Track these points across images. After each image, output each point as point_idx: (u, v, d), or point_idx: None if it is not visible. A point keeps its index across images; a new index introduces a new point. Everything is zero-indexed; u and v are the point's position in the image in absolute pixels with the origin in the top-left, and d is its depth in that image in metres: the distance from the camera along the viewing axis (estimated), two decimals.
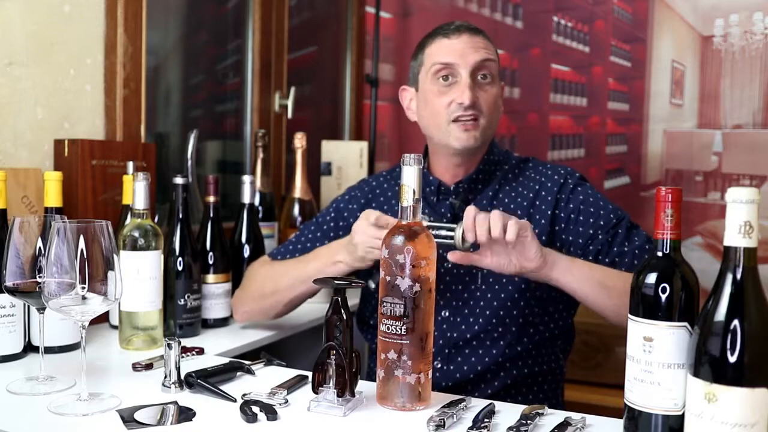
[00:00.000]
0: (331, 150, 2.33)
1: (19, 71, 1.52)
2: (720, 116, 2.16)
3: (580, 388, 2.11)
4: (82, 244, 1.03)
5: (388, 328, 1.06)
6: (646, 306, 0.93)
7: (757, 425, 0.80)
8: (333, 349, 1.06)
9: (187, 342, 1.46)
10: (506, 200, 1.49)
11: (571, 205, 1.46)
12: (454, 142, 1.43)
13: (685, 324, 0.91)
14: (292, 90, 2.32)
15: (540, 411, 1.06)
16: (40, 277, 1.14)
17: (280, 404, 1.09)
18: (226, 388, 1.16)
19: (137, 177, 1.39)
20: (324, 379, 1.07)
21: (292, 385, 1.18)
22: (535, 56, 2.40)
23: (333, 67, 2.72)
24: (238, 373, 1.25)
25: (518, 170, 1.54)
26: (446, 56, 1.43)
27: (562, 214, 1.46)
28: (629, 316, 0.95)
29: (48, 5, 1.57)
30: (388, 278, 1.07)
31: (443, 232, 1.29)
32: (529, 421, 1.02)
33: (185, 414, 1.05)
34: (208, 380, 1.15)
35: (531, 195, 1.49)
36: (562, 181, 1.48)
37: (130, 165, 1.62)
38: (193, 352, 1.37)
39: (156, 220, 1.72)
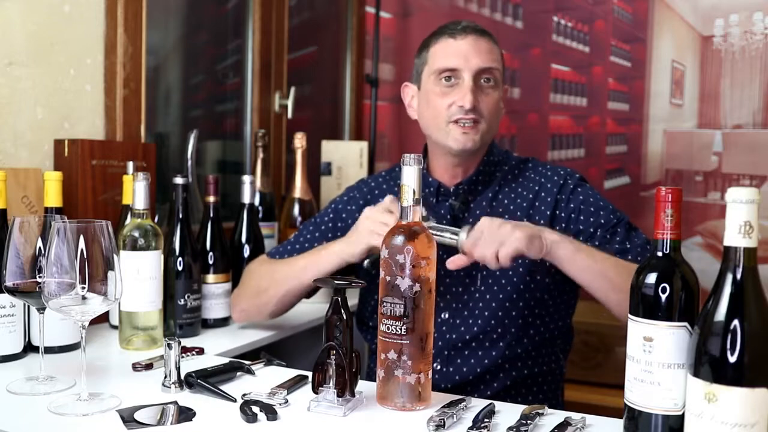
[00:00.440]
0: (331, 150, 2.33)
1: (19, 71, 1.52)
2: (720, 116, 2.16)
3: (580, 388, 2.11)
4: (82, 244, 1.03)
5: (388, 328, 1.06)
6: (646, 306, 0.93)
7: (757, 425, 0.80)
8: (333, 349, 1.06)
9: (187, 342, 1.46)
10: (506, 201, 1.49)
11: (572, 205, 1.45)
12: (452, 143, 1.43)
13: (685, 324, 0.91)
14: (292, 90, 2.32)
15: (540, 411, 1.06)
16: (40, 277, 1.14)
17: (280, 404, 1.09)
18: (226, 388, 1.16)
19: (137, 177, 1.39)
20: (324, 379, 1.07)
21: (292, 385, 1.18)
22: (535, 56, 2.40)
23: (333, 67, 2.72)
24: (238, 373, 1.25)
25: (518, 171, 1.53)
26: (450, 58, 1.43)
27: (562, 214, 1.46)
28: (629, 316, 0.95)
29: (48, 5, 1.57)
30: (388, 278, 1.07)
31: (447, 234, 1.30)
32: (529, 421, 1.02)
33: (185, 414, 1.05)
34: (208, 380, 1.15)
35: (531, 195, 1.48)
36: (561, 181, 1.48)
37: (130, 165, 1.62)
38: (193, 352, 1.37)
39: (156, 220, 1.72)
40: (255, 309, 1.56)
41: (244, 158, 2.32)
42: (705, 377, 0.82)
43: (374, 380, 1.13)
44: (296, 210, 2.04)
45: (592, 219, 1.44)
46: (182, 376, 1.16)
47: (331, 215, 1.61)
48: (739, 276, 0.82)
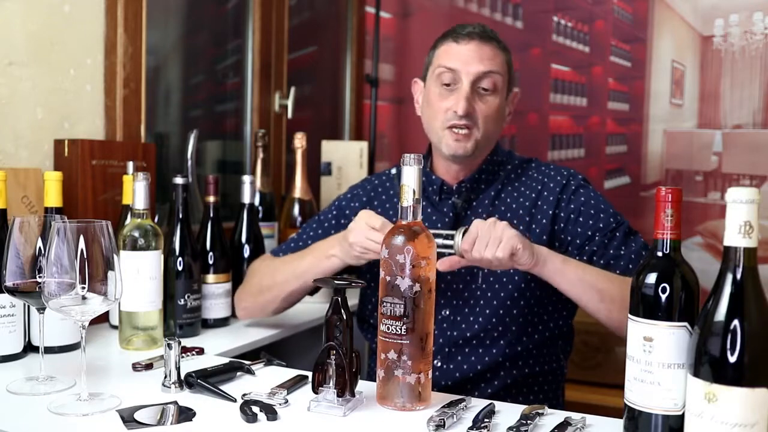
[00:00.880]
0: (331, 150, 2.33)
1: (19, 71, 1.52)
2: (720, 116, 2.16)
3: (580, 388, 2.11)
4: (82, 244, 1.03)
5: (388, 328, 1.06)
6: (646, 306, 0.93)
7: (757, 425, 0.80)
8: (333, 349, 1.06)
9: (187, 342, 1.46)
10: (508, 200, 1.50)
11: (572, 206, 1.46)
12: (444, 149, 1.45)
13: (685, 324, 0.91)
14: (292, 90, 2.32)
15: (540, 411, 1.06)
16: (40, 277, 1.14)
17: (280, 404, 1.09)
18: (226, 388, 1.16)
19: (137, 177, 1.39)
20: (324, 379, 1.07)
21: (292, 385, 1.18)
22: (535, 56, 2.40)
23: (333, 67, 2.72)
24: (238, 373, 1.25)
25: (521, 170, 1.54)
26: (450, 62, 1.44)
27: (562, 214, 1.46)
28: (629, 316, 0.95)
29: (48, 5, 1.57)
30: (388, 278, 1.07)
31: (440, 240, 1.30)
32: (529, 421, 1.02)
33: (185, 414, 1.05)
34: (208, 380, 1.15)
35: (533, 195, 1.49)
36: (564, 182, 1.49)
37: (130, 165, 1.62)
38: (193, 352, 1.37)
39: (156, 220, 1.72)
40: (258, 307, 1.57)
41: (244, 158, 2.32)
42: (705, 377, 0.82)
43: (374, 380, 1.13)
44: (296, 210, 2.04)
45: (591, 221, 1.44)
46: (182, 376, 1.16)
47: (334, 212, 1.62)
48: (739, 276, 0.82)
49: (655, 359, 0.92)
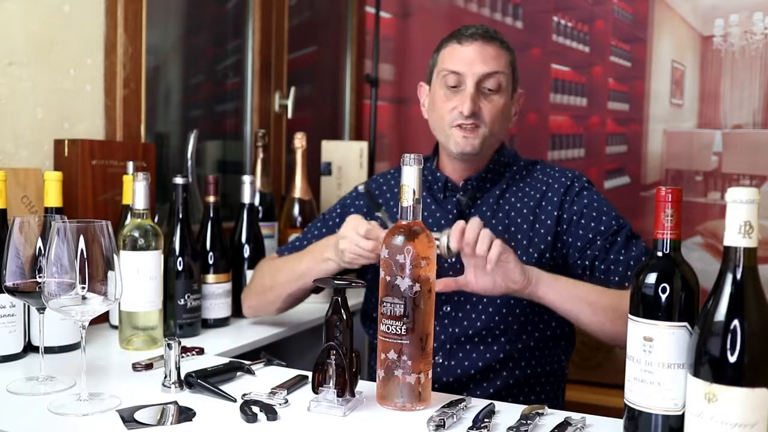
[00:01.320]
0: (331, 150, 2.33)
1: (19, 71, 1.52)
2: (720, 116, 2.16)
3: (580, 388, 2.11)
4: (82, 244, 1.03)
5: (388, 328, 1.06)
6: (646, 306, 0.93)
7: (757, 425, 0.80)
8: (333, 349, 1.06)
9: (187, 342, 1.46)
10: (513, 200, 1.50)
11: (575, 208, 1.46)
12: (452, 147, 1.46)
13: (685, 324, 0.91)
14: (292, 90, 2.32)
15: (540, 411, 1.06)
16: (40, 277, 1.14)
17: (280, 404, 1.09)
18: (226, 388, 1.16)
19: (137, 177, 1.39)
20: (324, 379, 1.07)
21: (292, 385, 1.18)
22: (535, 56, 2.40)
23: (333, 67, 2.72)
24: (238, 373, 1.25)
25: (526, 172, 1.55)
26: (454, 64, 1.45)
27: (565, 216, 1.47)
28: (629, 316, 0.95)
29: (48, 5, 1.57)
30: (388, 278, 1.07)
31: None
32: (529, 421, 1.02)
33: (185, 414, 1.05)
34: (208, 380, 1.15)
35: (538, 196, 1.50)
36: (568, 183, 1.50)
37: (130, 165, 1.62)
38: (193, 352, 1.37)
39: (156, 220, 1.72)
40: (262, 306, 1.60)
41: (244, 158, 2.32)
42: (705, 377, 0.82)
43: (374, 380, 1.13)
44: (296, 210, 2.04)
45: (593, 224, 1.45)
46: (182, 376, 1.16)
47: (338, 211, 1.62)
48: (739, 276, 0.82)
49: (655, 359, 0.92)
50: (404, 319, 1.06)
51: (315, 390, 1.08)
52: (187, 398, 1.12)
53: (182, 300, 1.53)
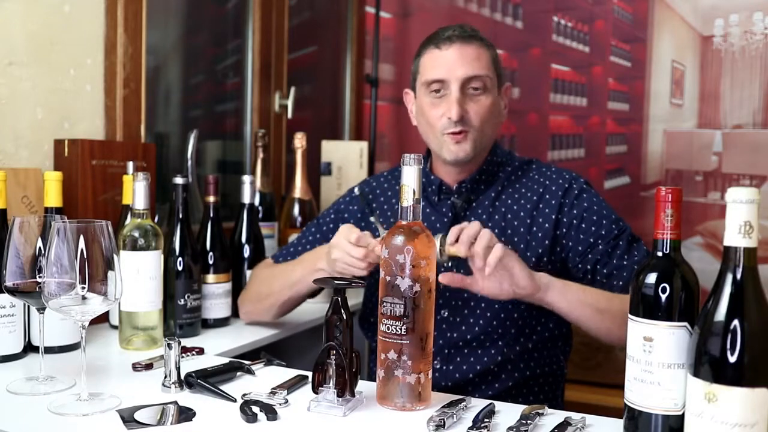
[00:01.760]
0: (331, 150, 2.33)
1: (19, 71, 1.52)
2: (720, 116, 2.16)
3: (580, 388, 2.11)
4: (82, 244, 1.03)
5: (388, 328, 1.06)
6: (646, 306, 0.93)
7: (757, 425, 0.80)
8: (333, 349, 1.06)
9: (187, 342, 1.46)
10: (509, 201, 1.49)
11: (575, 211, 1.45)
12: (446, 154, 1.45)
13: (685, 324, 0.91)
14: (292, 90, 2.32)
15: (540, 411, 1.06)
16: (40, 277, 1.14)
17: (280, 404, 1.09)
18: (226, 388, 1.16)
19: (137, 177, 1.39)
20: (324, 379, 1.07)
21: (292, 385, 1.18)
22: (535, 56, 2.40)
23: (333, 67, 2.72)
24: (238, 373, 1.25)
25: (521, 172, 1.54)
26: (435, 71, 1.44)
27: (565, 219, 1.46)
28: (629, 316, 0.95)
29: (48, 5, 1.57)
30: (388, 278, 1.07)
31: None
32: (529, 421, 1.02)
33: (185, 414, 1.05)
34: (208, 380, 1.15)
35: (535, 197, 1.49)
36: (567, 185, 1.48)
37: (130, 165, 1.62)
38: (193, 352, 1.37)
39: (156, 220, 1.72)
40: (258, 312, 1.60)
41: (244, 158, 2.32)
42: (705, 377, 0.82)
43: (374, 380, 1.13)
44: (296, 210, 2.04)
45: (594, 228, 1.44)
46: (182, 376, 1.16)
47: (332, 215, 1.61)
48: (739, 276, 0.82)
49: (655, 359, 0.92)
50: (404, 319, 1.06)
51: (315, 390, 1.08)
52: (187, 398, 1.12)
53: (182, 300, 1.53)
